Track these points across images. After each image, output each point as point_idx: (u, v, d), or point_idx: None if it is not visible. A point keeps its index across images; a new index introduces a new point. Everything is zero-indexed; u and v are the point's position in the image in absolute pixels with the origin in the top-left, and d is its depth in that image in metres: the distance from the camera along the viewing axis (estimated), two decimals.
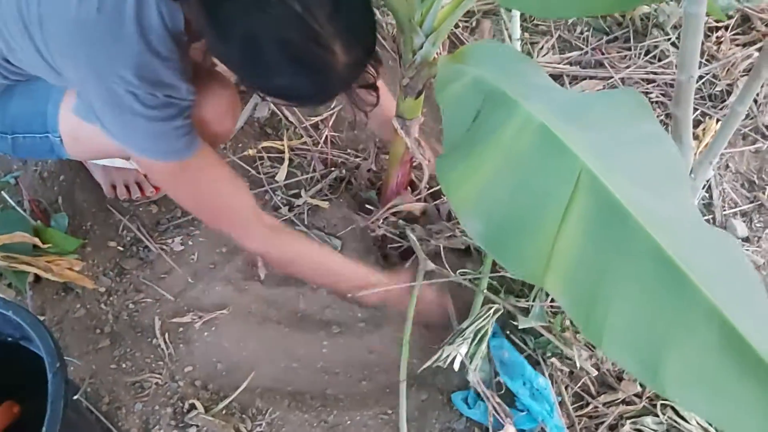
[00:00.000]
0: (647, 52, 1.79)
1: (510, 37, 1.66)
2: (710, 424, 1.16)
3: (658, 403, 1.19)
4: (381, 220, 1.36)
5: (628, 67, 1.74)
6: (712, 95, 1.74)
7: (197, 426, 1.14)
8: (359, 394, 1.23)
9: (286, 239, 1.14)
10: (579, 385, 1.23)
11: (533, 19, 1.84)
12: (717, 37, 1.81)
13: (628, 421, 1.17)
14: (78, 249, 1.27)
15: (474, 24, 1.81)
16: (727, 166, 1.65)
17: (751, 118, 1.71)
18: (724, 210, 1.57)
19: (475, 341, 1.17)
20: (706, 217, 1.56)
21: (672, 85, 1.71)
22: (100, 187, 1.39)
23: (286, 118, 1.54)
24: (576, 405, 1.22)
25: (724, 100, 1.73)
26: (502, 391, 1.20)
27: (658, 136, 0.79)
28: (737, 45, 1.80)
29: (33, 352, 0.91)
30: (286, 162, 1.46)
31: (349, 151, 1.52)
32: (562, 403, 1.19)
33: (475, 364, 1.16)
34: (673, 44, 1.79)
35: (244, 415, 1.17)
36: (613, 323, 0.66)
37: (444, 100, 0.87)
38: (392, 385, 1.20)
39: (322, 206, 1.39)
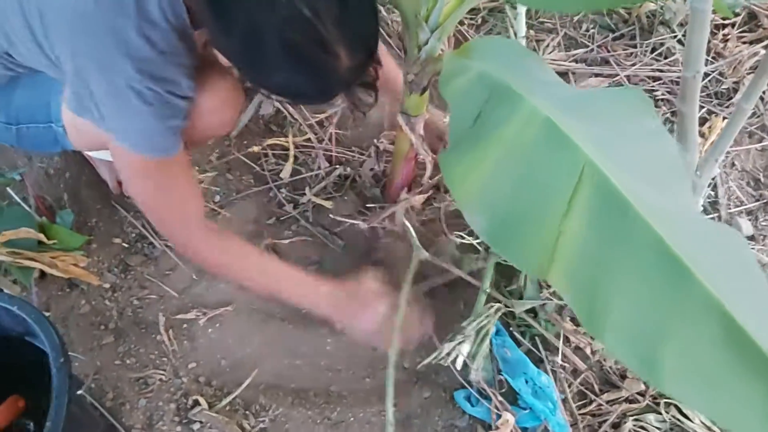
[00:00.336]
0: (653, 50, 1.78)
1: (515, 34, 1.65)
2: (713, 423, 1.15)
3: (662, 401, 1.19)
4: (384, 219, 1.36)
5: (633, 64, 1.74)
6: (718, 93, 1.73)
7: (201, 422, 1.15)
8: (362, 391, 1.23)
9: (226, 244, 1.07)
10: (582, 382, 1.23)
11: (538, 17, 1.83)
12: (723, 35, 1.80)
13: (631, 419, 1.17)
14: (83, 245, 1.28)
15: (479, 21, 1.80)
16: (733, 164, 1.64)
17: (758, 116, 1.70)
18: (730, 208, 1.56)
19: (478, 339, 1.17)
20: (711, 216, 1.55)
21: (678, 83, 1.70)
22: (105, 184, 1.39)
23: (291, 116, 1.54)
24: (579, 403, 1.21)
25: (731, 98, 1.72)
26: (505, 389, 1.20)
27: (659, 134, 0.78)
28: (744, 42, 1.79)
29: (38, 348, 0.91)
30: (291, 159, 1.46)
31: (353, 148, 1.52)
32: (565, 401, 1.19)
33: (477, 363, 1.16)
34: (680, 42, 1.78)
35: (247, 412, 1.18)
36: (614, 316, 0.65)
37: (449, 94, 0.87)
38: (396, 383, 1.20)
39: (326, 205, 1.40)
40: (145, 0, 0.82)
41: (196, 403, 1.16)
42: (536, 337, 1.26)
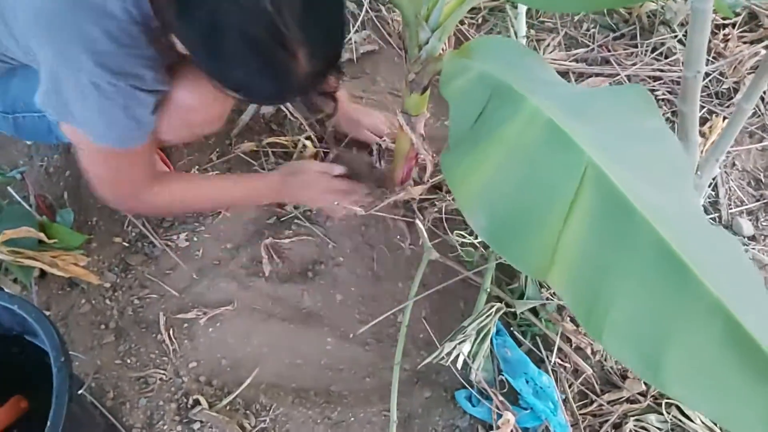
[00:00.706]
0: (654, 50, 1.78)
1: (516, 34, 1.65)
2: (715, 423, 1.15)
3: (663, 402, 1.19)
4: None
5: (634, 64, 1.74)
6: (718, 93, 1.73)
7: (201, 421, 1.15)
8: (363, 391, 1.23)
9: (168, 187, 1.13)
10: (583, 383, 1.23)
11: (539, 16, 1.83)
12: (724, 35, 1.80)
13: (633, 420, 1.17)
14: (83, 244, 1.28)
15: (480, 20, 1.80)
16: (734, 164, 1.64)
17: (758, 116, 1.70)
18: (731, 208, 1.56)
19: (478, 339, 1.17)
20: (711, 216, 1.55)
21: (678, 83, 1.70)
22: None
23: (292, 115, 1.53)
24: (580, 403, 1.21)
25: (731, 98, 1.72)
26: (506, 389, 1.20)
27: (662, 133, 0.78)
28: (744, 42, 1.79)
29: (38, 347, 0.91)
30: (293, 158, 1.46)
31: (353, 147, 1.51)
32: (566, 401, 1.19)
33: (478, 363, 1.16)
34: (680, 41, 1.78)
35: (248, 411, 1.18)
36: (615, 317, 0.65)
37: (450, 94, 0.87)
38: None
39: None
40: None
41: (197, 402, 1.16)
42: (537, 337, 1.26)
